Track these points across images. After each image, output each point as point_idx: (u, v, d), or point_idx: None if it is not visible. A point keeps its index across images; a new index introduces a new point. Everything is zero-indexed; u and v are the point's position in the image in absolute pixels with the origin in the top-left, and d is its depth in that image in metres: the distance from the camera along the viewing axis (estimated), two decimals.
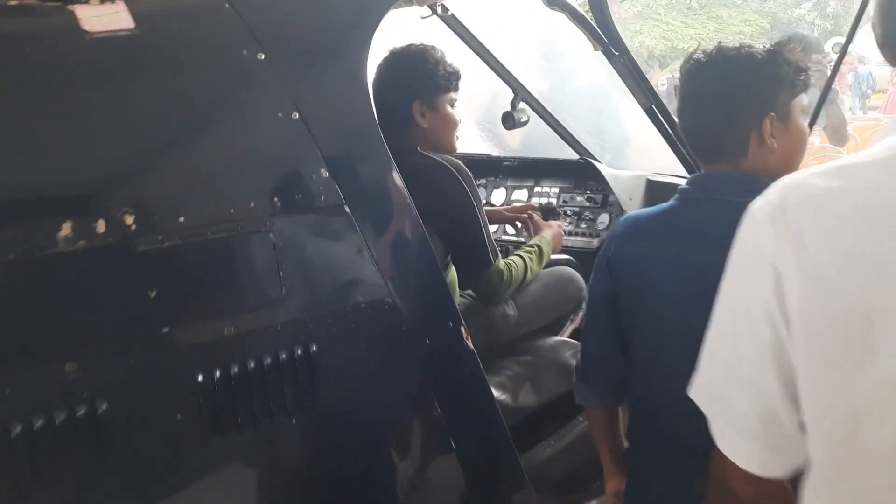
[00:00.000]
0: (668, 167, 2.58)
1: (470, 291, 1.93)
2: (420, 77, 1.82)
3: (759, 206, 0.73)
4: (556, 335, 2.14)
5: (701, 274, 1.23)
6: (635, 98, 1.97)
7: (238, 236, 1.19)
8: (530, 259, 1.92)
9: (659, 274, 1.29)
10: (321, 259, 1.29)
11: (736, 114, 1.24)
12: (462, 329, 1.45)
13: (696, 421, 1.30)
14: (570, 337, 2.18)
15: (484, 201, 2.84)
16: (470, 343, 1.46)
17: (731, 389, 0.75)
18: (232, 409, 1.18)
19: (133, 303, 1.10)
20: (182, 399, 1.15)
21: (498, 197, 2.84)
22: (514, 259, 1.89)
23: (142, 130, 1.13)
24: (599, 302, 1.41)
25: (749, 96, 1.24)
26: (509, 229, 2.61)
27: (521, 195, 2.78)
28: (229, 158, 1.21)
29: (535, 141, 2.97)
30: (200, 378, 1.15)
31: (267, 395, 1.21)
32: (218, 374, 1.16)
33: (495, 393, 1.77)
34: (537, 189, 2.73)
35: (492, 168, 2.89)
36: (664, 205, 1.34)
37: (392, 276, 1.35)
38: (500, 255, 1.81)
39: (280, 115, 1.23)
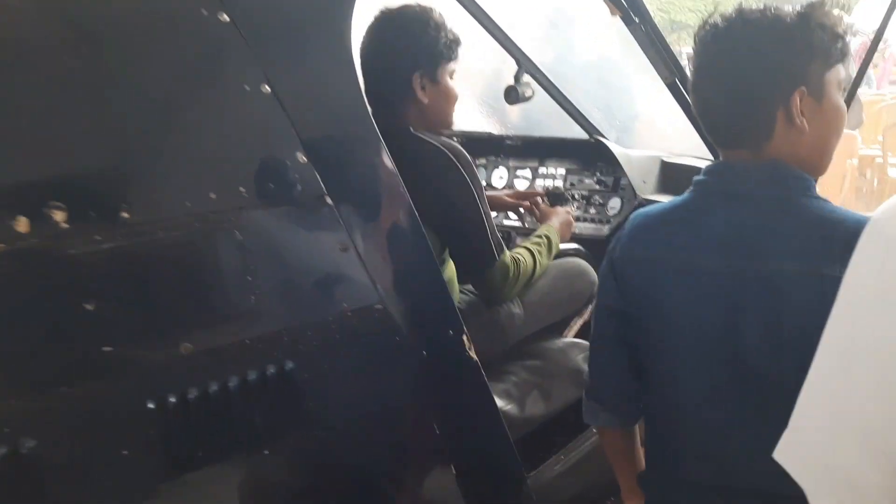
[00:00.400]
0: (685, 147, 2.38)
1: (471, 287, 1.74)
2: (421, 44, 1.58)
3: (892, 218, 0.53)
4: (562, 333, 1.95)
5: (715, 283, 1.05)
6: (657, 71, 1.76)
7: (196, 235, 0.99)
8: (539, 252, 1.72)
9: (668, 283, 1.10)
10: (298, 260, 1.09)
11: (760, 88, 1.04)
12: (464, 337, 1.25)
13: (722, 448, 1.14)
14: (579, 334, 1.99)
15: (484, 183, 2.64)
16: (473, 353, 1.27)
17: (850, 462, 0.56)
18: (192, 443, 0.99)
19: (66, 318, 0.90)
20: (129, 433, 0.95)
21: (499, 178, 2.63)
22: (520, 252, 1.69)
23: (74, 106, 0.92)
24: (605, 313, 1.22)
25: (775, 67, 1.03)
26: (511, 214, 2.40)
27: (524, 177, 2.57)
28: (185, 141, 1.00)
29: (539, 117, 2.76)
30: (152, 406, 0.95)
31: (234, 424, 1.02)
32: (173, 400, 0.97)
33: (500, 403, 1.58)
34: (542, 170, 2.52)
35: (492, 147, 2.67)
36: (677, 199, 1.14)
37: (383, 278, 1.15)
38: (505, 248, 1.61)
39: (247, 88, 1.02)
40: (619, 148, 2.28)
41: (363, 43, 1.60)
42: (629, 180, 2.21)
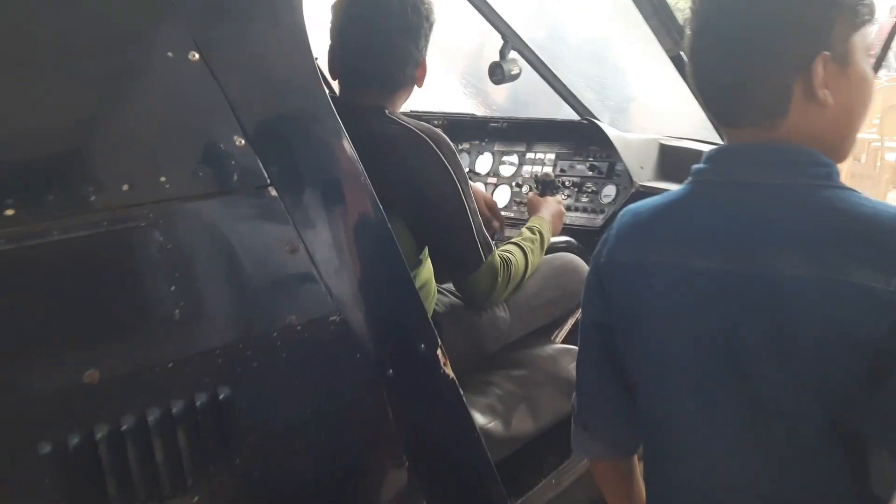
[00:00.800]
0: (686, 130, 2.21)
1: (450, 286, 1.55)
2: (431, 24, 1.42)
3: None
4: (552, 336, 1.77)
5: (713, 290, 0.86)
6: (660, 42, 1.57)
7: (104, 236, 0.79)
8: (531, 250, 1.54)
9: (659, 292, 0.92)
10: (236, 265, 0.90)
11: (774, 53, 0.85)
12: (438, 352, 1.07)
13: (722, 481, 0.91)
14: (568, 339, 1.81)
15: (467, 169, 2.45)
16: (449, 369, 1.09)
17: None
18: (100, 491, 0.80)
19: None
20: (17, 480, 0.76)
21: (483, 164, 2.45)
22: (510, 250, 1.51)
23: None
24: (591, 328, 1.04)
25: (794, 27, 0.84)
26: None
27: (510, 162, 2.39)
28: (91, 119, 0.81)
29: (527, 98, 2.57)
30: (48, 449, 0.77)
31: (154, 465, 0.83)
32: (76, 440, 0.78)
33: (482, 420, 1.40)
34: (529, 155, 2.34)
35: (476, 131, 2.48)
36: (671, 193, 0.96)
37: (340, 284, 0.97)
38: (493, 248, 1.43)
39: (170, 55, 0.83)
40: (613, 130, 2.09)
41: (346, 6, 1.40)
42: (625, 166, 2.03)
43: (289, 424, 0.95)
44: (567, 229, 2.12)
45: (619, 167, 2.10)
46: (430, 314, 1.50)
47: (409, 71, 1.40)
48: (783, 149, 0.86)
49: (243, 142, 0.88)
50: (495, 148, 2.43)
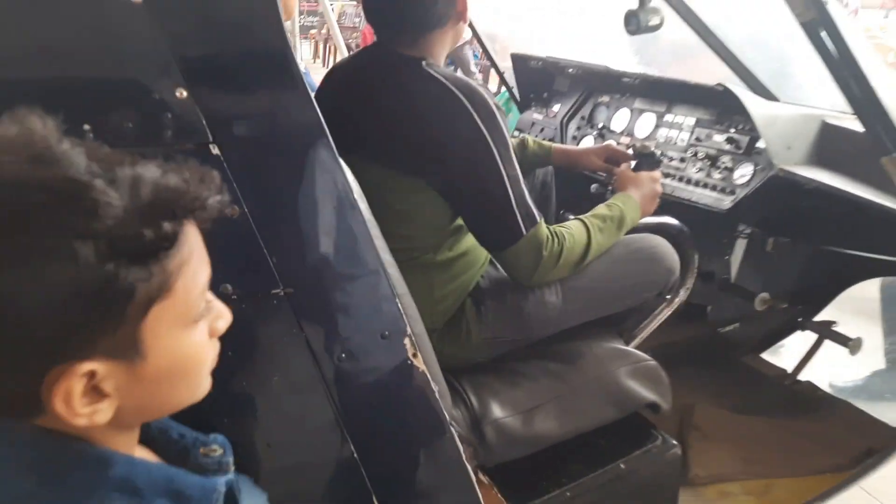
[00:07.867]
0: None
1: None
2: None
3: None
4: (621, 336, 1.55)
5: None
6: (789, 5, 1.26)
7: None
8: (599, 228, 1.35)
9: None
10: None
11: None
12: (406, 342, 0.96)
13: None
14: (643, 346, 1.58)
15: (601, 125, 2.24)
16: (418, 361, 0.98)
17: None
18: None
19: None
20: None
21: (619, 121, 2.21)
22: (570, 225, 1.33)
23: None
24: None
25: None
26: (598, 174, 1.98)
27: (647, 123, 2.12)
28: (8, 56, 0.77)
29: (685, 52, 2.26)
30: None
31: None
32: None
33: (500, 413, 1.30)
34: (668, 117, 2.06)
35: (610, 84, 2.25)
36: None
37: (287, 256, 0.89)
38: (538, 219, 1.26)
39: None
40: (758, 100, 1.77)
41: None
42: (766, 143, 1.71)
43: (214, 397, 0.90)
44: (690, 207, 1.86)
45: (760, 144, 1.79)
46: (470, 286, 1.37)
47: (441, 7, 1.25)
48: None
49: (185, 93, 0.81)
50: (634, 105, 2.18)
